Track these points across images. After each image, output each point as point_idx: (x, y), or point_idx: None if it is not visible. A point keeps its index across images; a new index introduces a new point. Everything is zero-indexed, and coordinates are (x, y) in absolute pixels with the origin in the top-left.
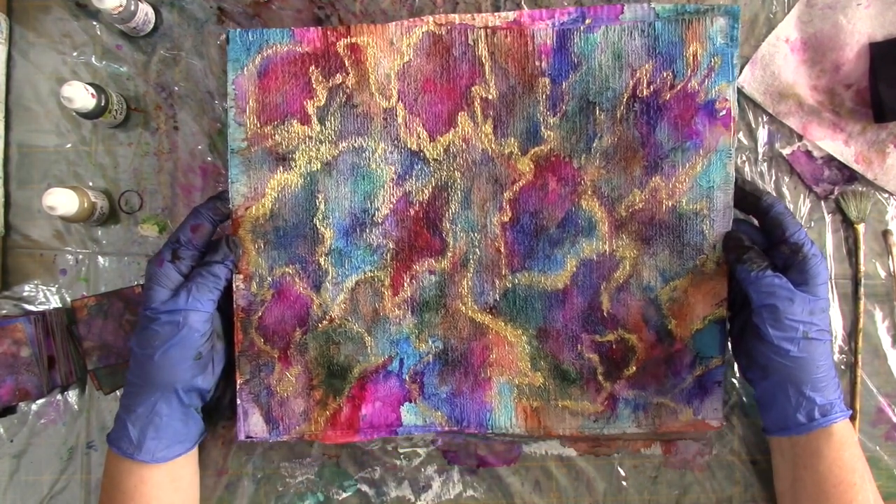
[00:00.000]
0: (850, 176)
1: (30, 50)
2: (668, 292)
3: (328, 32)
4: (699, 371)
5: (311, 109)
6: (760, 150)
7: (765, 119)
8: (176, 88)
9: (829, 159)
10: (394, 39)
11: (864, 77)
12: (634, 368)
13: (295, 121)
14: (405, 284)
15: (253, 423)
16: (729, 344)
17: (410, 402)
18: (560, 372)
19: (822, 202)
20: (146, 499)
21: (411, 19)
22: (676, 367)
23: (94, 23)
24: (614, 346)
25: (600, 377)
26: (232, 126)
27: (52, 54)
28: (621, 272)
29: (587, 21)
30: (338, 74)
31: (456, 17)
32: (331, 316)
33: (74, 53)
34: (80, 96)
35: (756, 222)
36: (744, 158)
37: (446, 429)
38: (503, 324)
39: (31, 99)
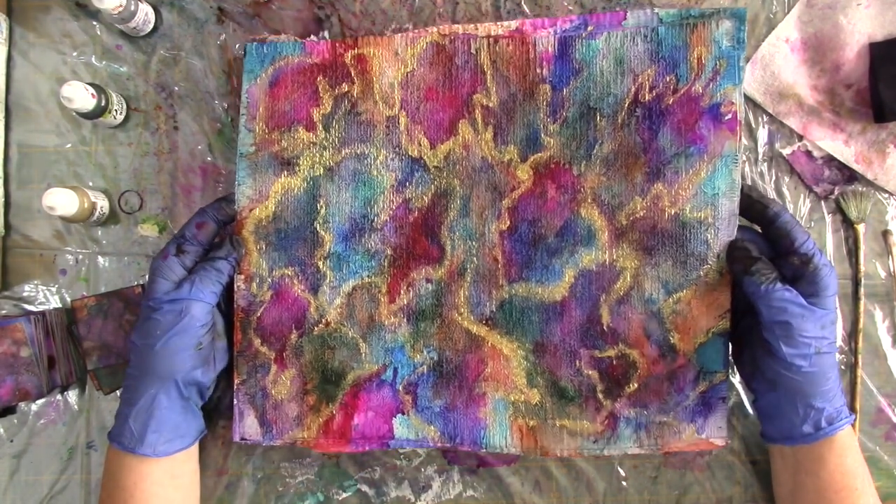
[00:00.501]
0: (850, 176)
1: (30, 50)
2: (670, 305)
3: (336, 44)
4: (703, 387)
5: (316, 117)
6: (760, 150)
7: (765, 119)
8: (176, 88)
9: (829, 159)
10: (398, 50)
11: (864, 77)
12: (636, 385)
13: (301, 127)
14: (402, 292)
15: (248, 426)
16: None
17: (403, 414)
18: (558, 389)
19: (822, 202)
20: (146, 496)
21: (416, 31)
22: (679, 383)
23: (94, 23)
24: (615, 363)
25: (600, 395)
26: (242, 132)
27: (52, 54)
28: (622, 283)
29: (589, 28)
30: (343, 83)
31: (459, 28)
32: (327, 320)
33: (74, 53)
34: (80, 96)
35: (759, 228)
36: (744, 158)
37: (439, 445)
38: (499, 336)
39: (31, 99)
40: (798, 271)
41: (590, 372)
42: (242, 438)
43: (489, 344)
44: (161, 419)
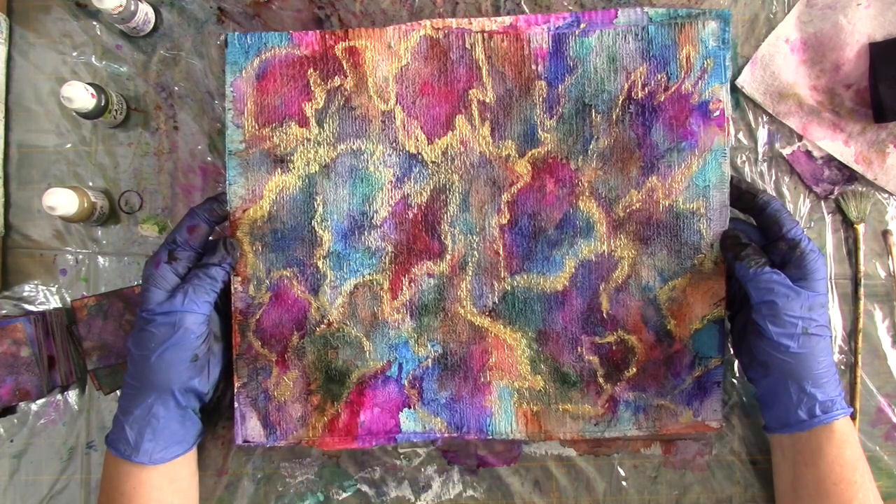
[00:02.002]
0: (850, 176)
1: (30, 50)
2: (666, 292)
3: (326, 36)
4: (698, 372)
5: (309, 112)
6: (760, 150)
7: (765, 119)
8: (176, 88)
9: (829, 159)
10: (391, 43)
11: (864, 77)
12: (634, 370)
13: (293, 123)
14: (404, 288)
15: (250, 428)
16: (730, 344)
17: (409, 408)
18: (560, 375)
19: (822, 202)
20: (145, 500)
21: (409, 23)
22: (676, 367)
23: (94, 23)
24: (614, 348)
25: (601, 379)
26: (230, 128)
27: (52, 54)
28: (620, 272)
29: (582, 25)
30: (336, 77)
31: (453, 22)
32: (329, 320)
33: (74, 53)
34: (80, 96)
35: (754, 221)
36: (744, 158)
37: (446, 435)
38: (502, 327)
39: (31, 99)
40: (786, 256)
41: (591, 357)
42: (245, 441)
43: (493, 334)
44: (157, 428)
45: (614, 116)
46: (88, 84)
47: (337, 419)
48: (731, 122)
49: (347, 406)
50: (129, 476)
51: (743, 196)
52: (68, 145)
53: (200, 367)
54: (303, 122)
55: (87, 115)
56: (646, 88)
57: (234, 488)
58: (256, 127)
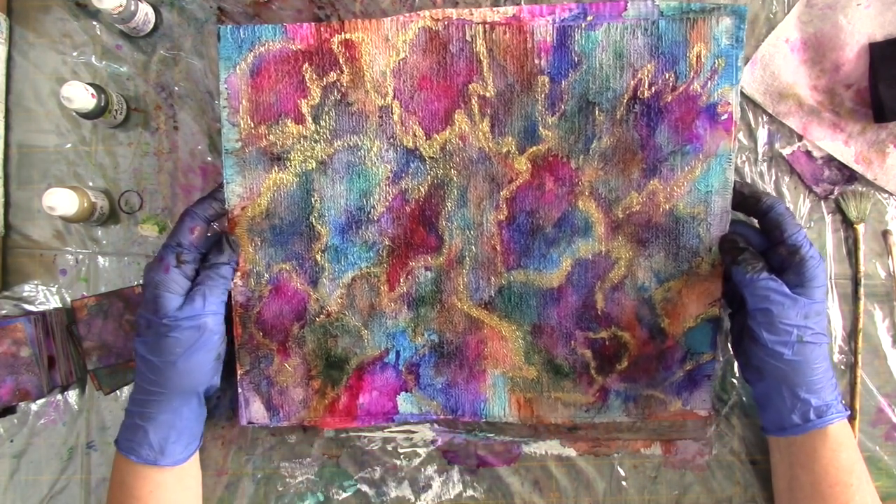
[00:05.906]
0: (850, 176)
1: (30, 50)
2: (662, 292)
3: (321, 29)
4: (690, 366)
5: (305, 108)
6: (760, 150)
7: (765, 119)
8: (176, 88)
9: (829, 159)
10: (389, 35)
11: (864, 77)
12: (626, 363)
13: (289, 120)
14: (401, 280)
15: (254, 411)
16: (729, 344)
17: (406, 391)
18: (553, 366)
19: (822, 202)
20: (162, 503)
21: (407, 14)
22: (668, 362)
23: (94, 23)
24: (607, 343)
25: (593, 371)
26: (225, 126)
27: (52, 54)
28: (616, 272)
29: (589, 18)
30: (332, 72)
31: (453, 13)
32: (328, 310)
33: (74, 53)
34: (80, 96)
35: (757, 224)
36: (744, 159)
37: (441, 417)
38: (498, 319)
39: (31, 99)
40: (786, 261)
41: (584, 351)
42: (250, 422)
43: (488, 326)
44: (182, 429)
45: (618, 116)
46: (88, 84)
47: (337, 402)
48: (737, 126)
49: (347, 390)
50: (146, 480)
51: (746, 201)
52: (68, 145)
53: (220, 366)
54: (299, 119)
55: (87, 115)
56: (652, 88)
57: (234, 488)
58: (252, 125)
